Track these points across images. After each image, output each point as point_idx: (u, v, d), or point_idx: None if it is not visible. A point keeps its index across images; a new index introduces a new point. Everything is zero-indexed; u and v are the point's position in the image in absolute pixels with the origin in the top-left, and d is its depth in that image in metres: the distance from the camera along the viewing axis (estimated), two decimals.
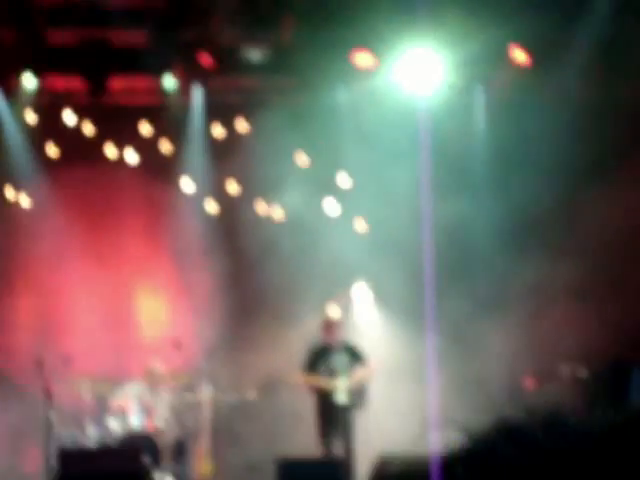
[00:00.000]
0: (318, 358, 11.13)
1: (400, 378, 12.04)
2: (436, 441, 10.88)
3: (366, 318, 12.80)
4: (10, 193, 12.66)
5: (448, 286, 12.17)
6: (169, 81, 12.41)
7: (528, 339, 12.20)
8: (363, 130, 12.71)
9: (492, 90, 13.00)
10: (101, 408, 11.24)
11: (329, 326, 11.24)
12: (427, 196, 12.35)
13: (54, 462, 9.75)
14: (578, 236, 12.29)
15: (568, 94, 12.30)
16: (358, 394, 11.04)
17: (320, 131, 12.73)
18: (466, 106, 12.98)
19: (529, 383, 11.70)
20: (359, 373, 11.08)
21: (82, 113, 12.67)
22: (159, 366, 11.52)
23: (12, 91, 12.25)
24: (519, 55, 12.25)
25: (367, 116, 12.67)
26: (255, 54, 12.36)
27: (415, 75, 12.19)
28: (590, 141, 12.08)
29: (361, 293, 12.78)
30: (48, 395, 10.70)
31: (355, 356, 11.16)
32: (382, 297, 12.76)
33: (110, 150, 12.86)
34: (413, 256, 12.30)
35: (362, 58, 12.28)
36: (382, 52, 12.21)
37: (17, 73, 12.06)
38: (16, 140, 12.52)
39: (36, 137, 12.56)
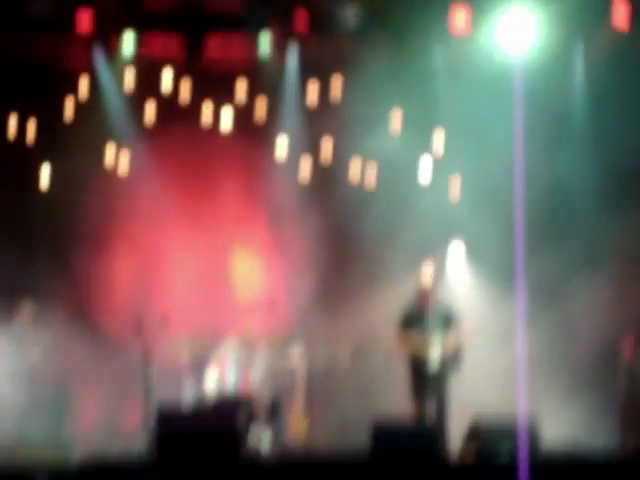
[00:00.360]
0: (412, 321, 11.13)
1: (493, 340, 12.00)
2: (525, 405, 10.90)
3: (460, 278, 12.76)
4: (110, 155, 12.87)
5: (541, 244, 12.09)
6: (265, 42, 12.42)
7: (622, 302, 12.02)
8: (459, 89, 12.58)
9: (591, 48, 12.73)
10: (198, 368, 11.46)
11: (424, 289, 11.22)
12: (522, 155, 12.23)
13: (152, 421, 9.96)
14: None
15: None
16: (452, 357, 11.04)
17: (416, 91, 12.65)
18: (564, 65, 12.75)
19: (627, 347, 11.53)
20: (453, 336, 11.07)
21: (179, 75, 12.78)
22: (254, 326, 11.67)
23: (112, 53, 12.40)
24: (620, 12, 11.97)
25: (463, 76, 12.56)
26: (351, 13, 12.30)
27: (512, 34, 11.99)
28: None
29: (456, 252, 12.73)
30: (147, 354, 10.92)
31: (449, 319, 11.13)
32: (476, 255, 12.69)
33: (207, 112, 12.96)
34: (508, 214, 12.23)
35: (459, 18, 12.13)
36: (479, 10, 12.05)
37: (117, 35, 12.20)
38: (116, 103, 12.70)
39: (135, 100, 12.72)
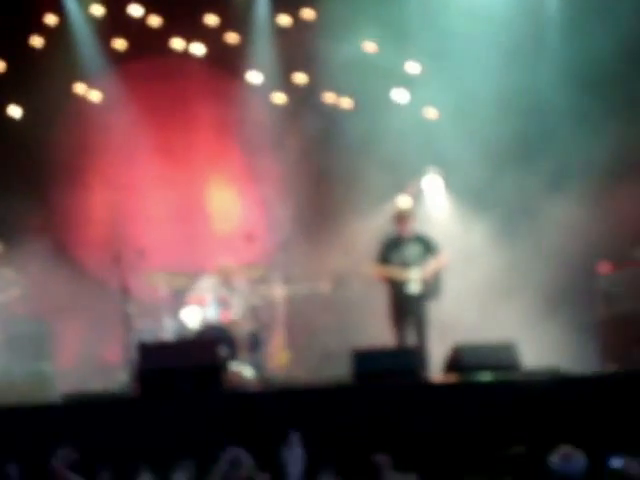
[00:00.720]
0: (391, 249, 11.12)
1: (468, 263, 12.02)
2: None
3: (437, 207, 12.73)
4: (80, 87, 12.68)
5: (516, 165, 12.10)
6: None
7: (595, 220, 12.03)
8: (431, 15, 12.45)
9: None
10: (177, 301, 11.42)
11: (401, 217, 11.18)
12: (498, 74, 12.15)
13: (133, 354, 9.94)
14: None
15: None
16: (431, 284, 11.05)
17: (388, 17, 12.50)
18: None
19: (604, 267, 11.56)
20: (432, 263, 11.08)
21: (148, 4, 12.57)
22: (232, 261, 11.61)
23: None
24: None
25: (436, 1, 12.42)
26: None
27: None
28: None
29: (432, 182, 12.67)
30: (125, 289, 10.87)
31: (428, 247, 11.13)
32: (453, 178, 12.64)
33: (177, 42, 12.77)
34: (484, 135, 12.23)
35: None
36: None
37: None
38: (84, 33, 12.49)
39: (103, 30, 12.52)
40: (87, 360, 12.11)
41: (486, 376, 9.26)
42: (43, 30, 12.43)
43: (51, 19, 12.44)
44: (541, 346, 10.99)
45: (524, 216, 12.33)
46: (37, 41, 12.46)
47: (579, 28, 12.28)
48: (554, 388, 8.96)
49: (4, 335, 11.34)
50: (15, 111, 12.59)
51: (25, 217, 12.08)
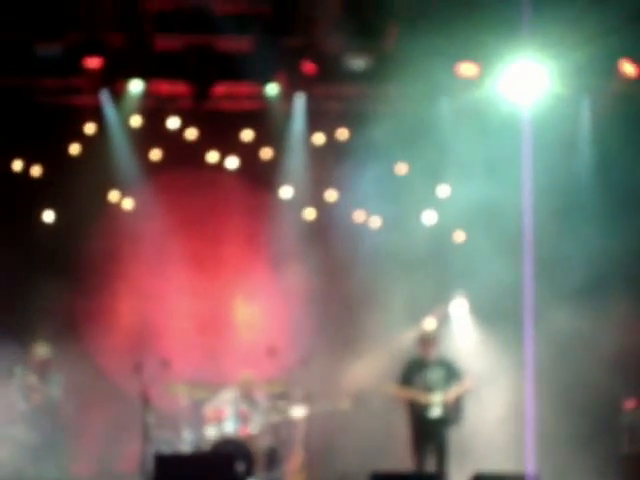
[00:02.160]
0: (414, 372, 11.09)
1: (497, 393, 11.94)
2: (532, 459, 10.80)
3: (463, 333, 12.69)
4: (114, 196, 12.88)
5: (549, 302, 12.07)
6: (272, 88, 12.47)
7: (629, 353, 12.01)
8: (465, 140, 12.61)
9: (598, 101, 12.78)
10: (197, 413, 11.37)
11: (426, 340, 11.19)
12: (529, 208, 12.24)
13: (150, 465, 9.87)
14: None
15: None
16: (454, 410, 10.97)
17: (421, 141, 12.67)
18: (571, 117, 12.79)
19: (630, 403, 11.48)
20: (455, 389, 11.01)
21: (186, 118, 12.83)
22: (253, 374, 11.60)
23: (119, 95, 12.44)
24: (628, 68, 12.04)
25: (469, 127, 12.59)
26: (358, 62, 12.35)
27: (519, 86, 12.04)
28: None
29: (459, 307, 12.67)
30: (146, 398, 10.87)
31: (452, 372, 11.09)
32: (479, 309, 12.64)
33: (212, 155, 12.99)
34: (511, 268, 12.23)
35: (466, 68, 12.18)
36: (486, 63, 12.10)
37: (125, 78, 12.24)
38: (121, 143, 12.73)
39: (141, 141, 12.75)
40: (104, 468, 12.03)
41: None
42: (82, 138, 12.70)
43: (90, 128, 12.70)
44: (564, 478, 10.83)
45: (551, 345, 12.24)
46: (75, 149, 12.72)
47: (611, 170, 12.43)
48: None
49: (35, 439, 11.34)
50: (49, 216, 12.79)
51: (53, 320, 12.14)
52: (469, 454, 11.13)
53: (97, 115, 12.56)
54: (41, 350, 11.74)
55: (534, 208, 12.09)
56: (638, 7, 11.19)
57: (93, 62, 11.91)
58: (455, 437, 11.00)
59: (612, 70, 12.01)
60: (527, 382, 11.84)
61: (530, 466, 9.84)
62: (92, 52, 11.86)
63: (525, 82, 11.98)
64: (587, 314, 12.19)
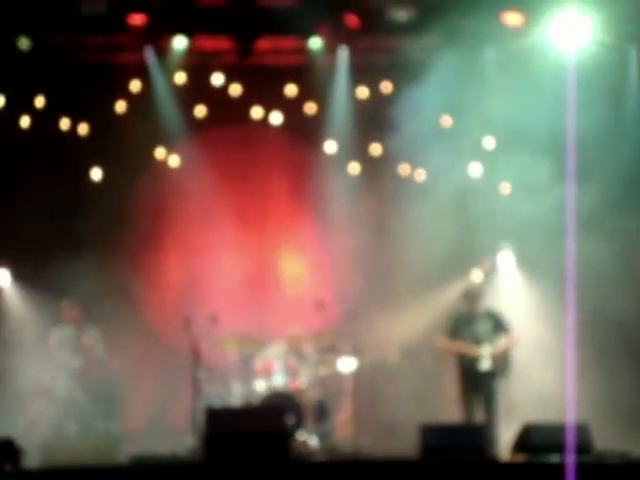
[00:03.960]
0: (462, 325, 11.11)
1: (543, 346, 11.91)
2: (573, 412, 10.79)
3: (510, 286, 12.66)
4: (160, 153, 12.94)
5: (592, 244, 11.98)
6: (315, 42, 12.41)
7: None
8: (511, 91, 12.48)
9: None
10: (246, 367, 11.47)
11: (473, 294, 11.19)
12: (573, 157, 12.12)
13: (201, 419, 9.98)
14: None
15: None
16: (501, 362, 10.99)
17: (466, 92, 12.55)
18: (617, 65, 12.60)
19: None
20: (503, 341, 11.01)
21: (230, 73, 12.82)
22: (300, 329, 11.67)
23: (163, 52, 12.45)
24: None
25: (515, 77, 12.45)
26: (401, 14, 12.23)
27: (564, 34, 11.89)
28: None
29: (505, 259, 12.62)
30: (196, 353, 10.98)
31: (499, 324, 11.10)
32: (525, 262, 12.58)
33: (256, 110, 12.99)
34: (556, 219, 12.14)
35: (511, 17, 12.03)
36: (531, 12, 11.95)
37: (168, 34, 12.25)
38: (166, 100, 12.75)
39: (185, 98, 12.77)
40: (155, 422, 12.20)
41: (555, 457, 9.13)
42: (127, 96, 12.74)
43: (136, 85, 12.74)
44: (612, 427, 10.81)
45: (601, 294, 12.17)
46: (121, 106, 12.77)
47: None
48: (625, 472, 8.78)
49: (82, 394, 11.51)
50: (96, 174, 12.88)
51: (102, 279, 12.25)
52: (517, 406, 11.15)
53: (142, 72, 12.57)
54: (74, 307, 11.86)
55: (579, 159, 12.00)
56: None
57: (137, 19, 11.93)
58: (503, 389, 11.01)
59: None
60: (568, 333, 11.82)
61: (571, 416, 9.82)
62: (136, 9, 11.89)
63: (571, 31, 11.81)
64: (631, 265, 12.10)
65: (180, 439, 11.04)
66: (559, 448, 9.18)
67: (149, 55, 12.48)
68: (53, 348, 11.74)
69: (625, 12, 11.55)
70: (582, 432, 9.36)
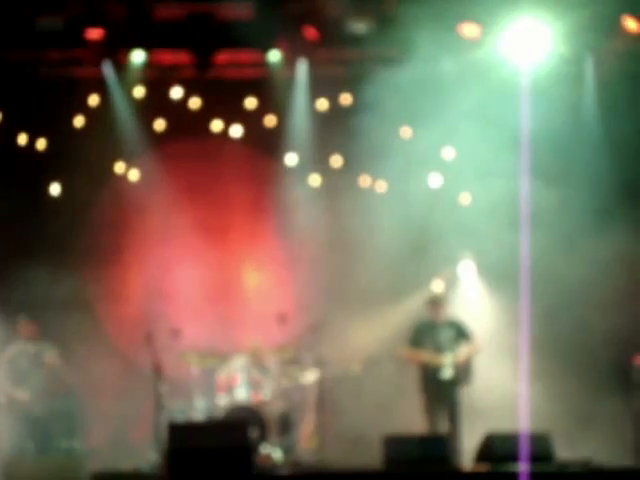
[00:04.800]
0: (424, 334, 11.16)
1: (505, 354, 11.98)
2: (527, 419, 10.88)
3: (471, 294, 12.73)
4: (120, 167, 12.89)
5: (552, 255, 12.09)
6: (274, 54, 12.42)
7: (631, 315, 12.04)
8: (468, 102, 12.57)
9: (602, 60, 12.71)
10: (209, 381, 11.44)
11: (435, 302, 11.24)
12: (527, 169, 12.25)
13: (163, 434, 9.94)
14: None
15: None
16: (464, 370, 11.04)
17: (424, 103, 12.62)
18: (574, 76, 12.73)
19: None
20: (464, 350, 11.07)
21: (189, 87, 12.81)
22: (263, 341, 11.66)
23: (121, 66, 12.41)
24: (631, 24, 11.97)
25: (472, 87, 12.54)
26: (360, 26, 12.28)
27: (522, 45, 12.00)
28: None
29: (466, 269, 12.69)
30: (157, 368, 10.92)
31: (461, 333, 11.16)
32: (486, 271, 12.66)
33: (216, 124, 12.98)
34: (514, 228, 12.25)
35: (468, 29, 12.12)
36: (488, 23, 12.03)
37: (126, 48, 12.21)
38: (125, 114, 12.72)
39: (144, 111, 12.74)
40: (117, 439, 12.12)
41: (517, 467, 9.17)
42: (86, 110, 12.69)
43: (94, 100, 12.69)
44: (575, 436, 10.88)
45: (562, 301, 12.28)
46: (79, 121, 12.71)
47: (616, 127, 12.40)
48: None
49: (42, 409, 11.42)
50: (55, 189, 12.81)
51: (61, 293, 12.18)
52: (480, 414, 11.19)
53: (100, 87, 12.52)
54: (31, 323, 11.77)
55: (536, 170, 12.11)
56: None
57: (94, 33, 11.89)
58: (466, 398, 11.05)
59: (615, 27, 11.95)
60: (522, 342, 11.90)
61: (525, 425, 9.89)
62: (93, 23, 11.84)
63: (527, 42, 11.93)
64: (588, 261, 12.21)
65: (143, 455, 10.98)
66: (521, 457, 9.25)
67: (107, 69, 12.45)
68: (8, 365, 11.64)
69: (581, 23, 11.67)
70: (542, 441, 9.43)
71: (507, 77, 12.22)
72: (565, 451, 9.68)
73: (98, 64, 12.36)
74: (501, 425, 10.30)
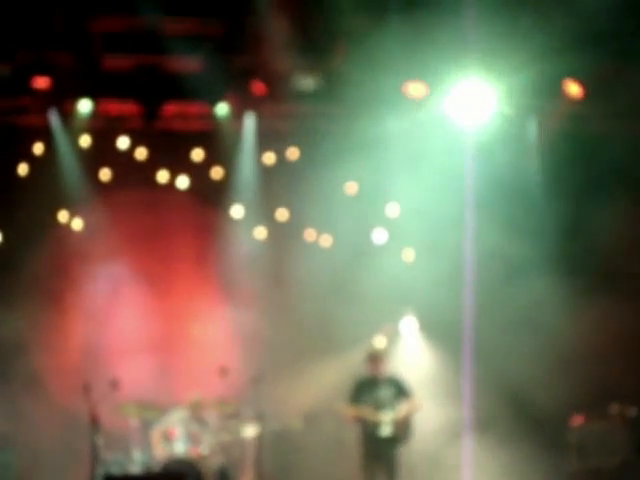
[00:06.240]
0: (363, 390, 11.13)
1: (447, 411, 12.01)
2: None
3: (413, 350, 12.77)
4: (63, 216, 12.82)
5: (491, 313, 12.20)
6: (222, 107, 12.49)
7: (575, 374, 12.15)
8: (412, 160, 12.71)
9: (544, 121, 12.94)
10: (147, 433, 11.32)
11: (375, 358, 11.24)
12: (472, 228, 12.41)
13: None
14: None
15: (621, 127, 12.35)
16: (403, 428, 11.02)
17: (370, 160, 12.75)
18: (518, 137, 12.93)
19: (577, 419, 11.61)
20: (404, 407, 11.06)
21: (136, 137, 12.82)
22: (203, 394, 11.57)
23: (68, 115, 12.40)
24: (573, 88, 12.22)
25: (417, 146, 12.69)
26: (307, 82, 12.40)
27: (466, 105, 12.18)
28: None
29: (408, 325, 12.75)
30: (95, 419, 10.79)
31: (401, 390, 11.15)
32: (428, 326, 12.74)
33: (162, 174, 12.99)
34: (458, 284, 12.37)
35: (414, 88, 12.28)
36: (434, 82, 12.21)
37: (73, 98, 12.21)
38: (70, 163, 12.68)
39: (90, 161, 12.71)
40: None
41: None
42: (30, 159, 12.64)
43: (39, 148, 12.65)
44: None
45: (499, 358, 12.36)
46: (23, 169, 12.66)
47: (559, 187, 12.61)
48: None
49: None
50: None
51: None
52: (418, 472, 11.18)
53: (46, 135, 12.50)
54: None
55: (481, 227, 12.25)
56: (582, 28, 11.37)
57: (41, 82, 11.87)
58: (404, 455, 11.04)
59: (557, 90, 12.19)
60: (464, 402, 11.96)
61: None
62: (40, 72, 11.83)
63: (472, 102, 12.11)
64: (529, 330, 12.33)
65: None
66: None
67: (53, 118, 12.44)
68: None
69: (524, 85, 11.88)
70: None
71: (452, 136, 12.39)
72: None
73: (44, 112, 12.37)
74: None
